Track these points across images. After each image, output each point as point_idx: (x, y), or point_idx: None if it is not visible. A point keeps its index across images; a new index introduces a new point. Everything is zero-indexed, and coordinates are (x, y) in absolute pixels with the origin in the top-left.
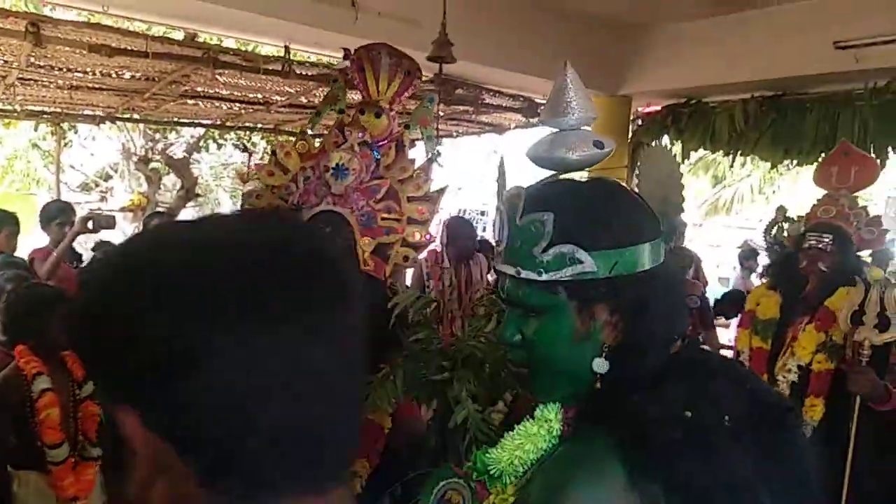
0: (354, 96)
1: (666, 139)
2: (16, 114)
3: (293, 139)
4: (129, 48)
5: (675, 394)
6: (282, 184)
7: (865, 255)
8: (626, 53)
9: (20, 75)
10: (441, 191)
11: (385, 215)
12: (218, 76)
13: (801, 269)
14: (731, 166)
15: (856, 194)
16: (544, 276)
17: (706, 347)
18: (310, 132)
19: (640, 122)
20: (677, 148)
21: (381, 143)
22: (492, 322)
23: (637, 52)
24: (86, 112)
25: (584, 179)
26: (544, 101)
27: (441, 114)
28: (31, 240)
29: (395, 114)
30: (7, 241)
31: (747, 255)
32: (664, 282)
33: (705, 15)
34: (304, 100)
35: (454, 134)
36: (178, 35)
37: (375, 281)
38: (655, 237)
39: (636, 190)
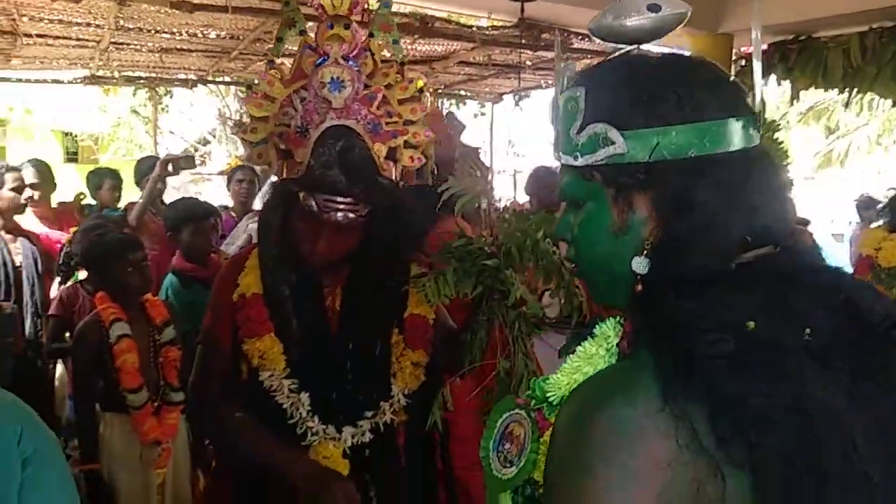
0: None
1: (773, 79)
2: (114, 80)
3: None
4: (210, 3)
5: (736, 301)
6: (272, 112)
7: None
8: None
9: (112, 39)
10: (421, 90)
11: (387, 120)
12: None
13: None
14: (847, 106)
15: None
16: (580, 161)
17: (811, 258)
18: (276, 60)
19: (743, 62)
20: (786, 88)
21: (354, 55)
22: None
23: None
24: (179, 76)
25: (644, 53)
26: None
27: (528, 62)
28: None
29: (356, 28)
30: (109, 195)
31: (866, 205)
32: (731, 171)
33: None
34: (386, 54)
35: (543, 84)
36: None
37: (395, 185)
38: (724, 116)
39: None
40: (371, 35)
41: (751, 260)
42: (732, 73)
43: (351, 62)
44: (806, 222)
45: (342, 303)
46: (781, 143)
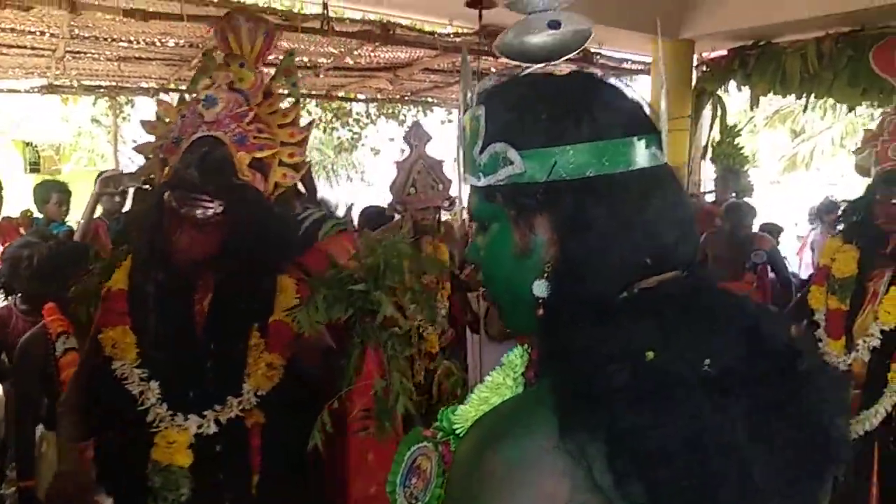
0: None
1: (733, 84)
2: (73, 89)
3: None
4: (163, 11)
5: (636, 329)
6: (163, 132)
7: None
8: None
9: (68, 48)
10: (308, 125)
11: (256, 135)
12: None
13: (879, 224)
14: (805, 110)
15: None
16: (482, 181)
17: (716, 282)
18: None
19: (704, 67)
20: (745, 93)
21: (258, 95)
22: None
23: None
24: (141, 85)
25: (549, 71)
26: (601, 51)
27: (493, 69)
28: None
29: (261, 70)
30: (56, 209)
31: (829, 209)
32: (630, 192)
33: None
34: (349, 61)
35: None
36: None
37: (255, 189)
38: (625, 135)
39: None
40: (273, 78)
41: (653, 286)
42: (694, 77)
43: (242, 94)
44: (779, 230)
45: (210, 303)
46: (742, 148)
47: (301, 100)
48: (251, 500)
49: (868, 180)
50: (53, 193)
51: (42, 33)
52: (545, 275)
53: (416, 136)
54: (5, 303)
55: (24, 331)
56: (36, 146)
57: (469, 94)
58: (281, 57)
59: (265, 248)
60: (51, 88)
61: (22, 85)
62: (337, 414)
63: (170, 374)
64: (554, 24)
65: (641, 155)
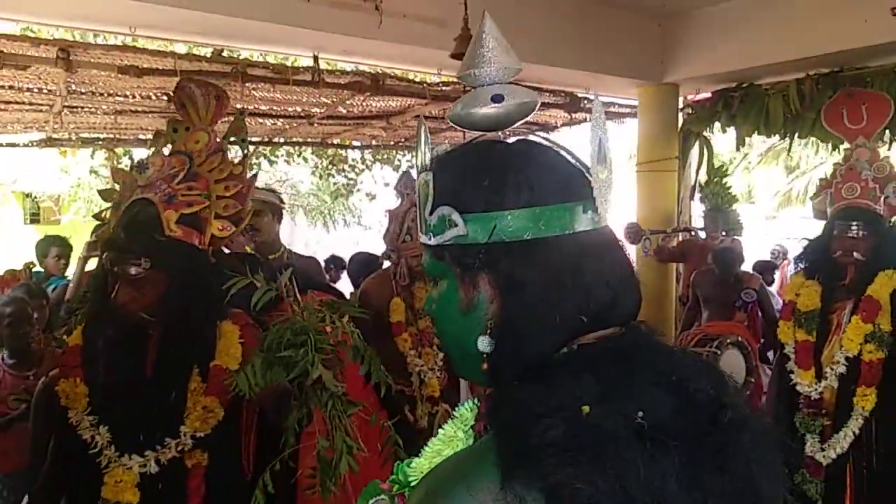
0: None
1: (717, 126)
2: (71, 142)
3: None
4: (159, 68)
5: (573, 384)
6: (115, 197)
7: None
8: (671, 39)
9: (65, 103)
10: (253, 177)
11: (186, 192)
12: (252, 91)
13: (836, 258)
14: (789, 151)
15: (876, 147)
16: (432, 241)
17: (653, 338)
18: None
19: (689, 110)
20: (731, 133)
21: (202, 154)
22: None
23: (682, 37)
24: (138, 136)
25: (490, 139)
26: (589, 96)
27: None
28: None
29: (214, 132)
30: (55, 263)
31: (784, 255)
32: (563, 254)
33: None
34: (342, 110)
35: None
36: (207, 52)
37: (183, 243)
38: (562, 201)
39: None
40: (225, 138)
41: (592, 342)
42: (680, 121)
43: (187, 156)
44: (773, 267)
45: (154, 351)
46: (729, 187)
47: (249, 153)
48: None
49: (824, 222)
50: (53, 248)
51: (39, 90)
52: (488, 331)
53: (407, 185)
54: None
55: (13, 385)
56: (35, 197)
57: (425, 157)
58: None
59: (197, 298)
60: (49, 142)
61: (21, 139)
62: (283, 473)
63: (118, 418)
64: (497, 98)
65: (578, 219)
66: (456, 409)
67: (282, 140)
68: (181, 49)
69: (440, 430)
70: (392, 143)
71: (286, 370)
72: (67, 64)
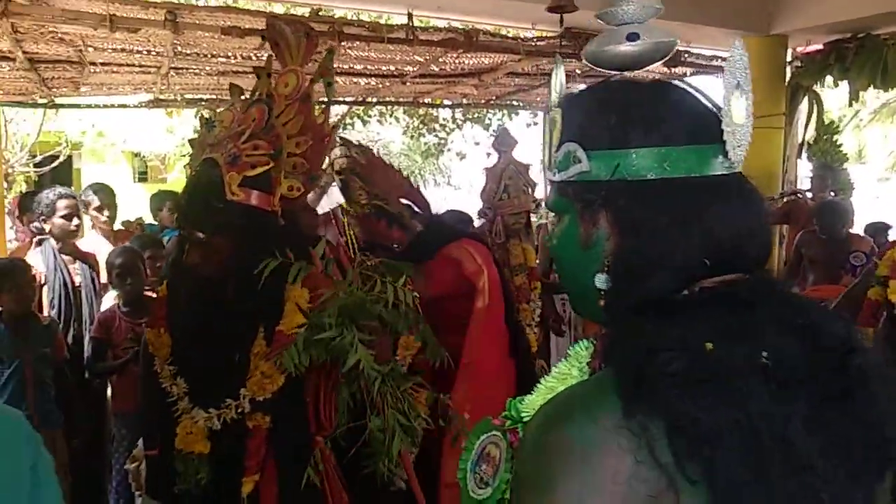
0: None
1: (829, 80)
2: (177, 102)
3: None
4: (260, 28)
5: (695, 322)
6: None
7: None
8: None
9: (172, 65)
10: (334, 128)
11: (251, 152)
12: (348, 49)
13: None
14: None
15: None
16: (557, 177)
17: (781, 286)
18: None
19: (798, 63)
20: (843, 88)
21: (288, 102)
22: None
23: None
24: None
25: (629, 78)
26: (688, 49)
27: (577, 71)
28: None
29: (304, 72)
30: (169, 217)
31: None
32: (687, 196)
33: None
34: (434, 68)
35: None
36: (304, 11)
37: (245, 207)
38: (689, 142)
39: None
40: (313, 80)
41: (714, 285)
42: (788, 74)
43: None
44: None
45: (226, 311)
46: (840, 145)
47: (333, 96)
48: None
49: None
50: (166, 202)
51: (148, 52)
52: (605, 268)
53: (504, 142)
54: (110, 305)
55: (127, 331)
56: (144, 157)
57: (557, 97)
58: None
59: (256, 263)
60: (156, 103)
61: (130, 100)
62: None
63: (193, 372)
64: (632, 37)
65: (706, 163)
66: (570, 347)
67: (374, 100)
68: (279, 9)
69: (554, 368)
70: (483, 101)
71: (326, 352)
72: (174, 26)
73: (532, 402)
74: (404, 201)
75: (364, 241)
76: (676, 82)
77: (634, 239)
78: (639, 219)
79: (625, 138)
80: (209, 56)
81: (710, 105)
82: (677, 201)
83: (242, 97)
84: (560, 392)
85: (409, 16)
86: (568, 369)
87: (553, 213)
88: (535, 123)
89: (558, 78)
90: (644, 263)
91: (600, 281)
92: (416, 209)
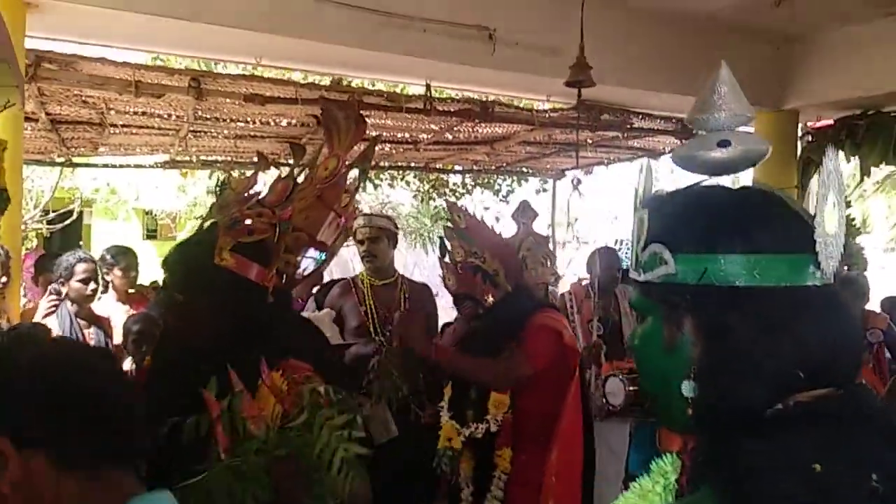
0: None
1: (841, 155)
2: (192, 164)
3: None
4: (281, 96)
5: (799, 442)
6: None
7: None
8: (790, 64)
9: (191, 128)
10: (353, 212)
11: (255, 218)
12: (366, 118)
13: None
14: None
15: None
16: (642, 277)
17: (873, 399)
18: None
19: (809, 137)
20: (854, 164)
21: (326, 182)
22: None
23: (802, 62)
24: (254, 160)
25: (715, 184)
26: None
27: (589, 140)
28: None
29: (345, 158)
30: None
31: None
32: (777, 306)
33: (879, 16)
34: (448, 136)
35: (605, 161)
36: (326, 81)
37: (228, 274)
38: (778, 251)
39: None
40: (350, 166)
41: (809, 399)
42: (799, 148)
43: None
44: None
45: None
46: (853, 219)
47: (367, 178)
48: None
49: None
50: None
51: (169, 116)
52: (692, 375)
53: (525, 214)
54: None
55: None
56: (154, 214)
57: (644, 197)
58: None
59: (240, 336)
60: (172, 163)
61: (146, 160)
62: None
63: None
64: (724, 143)
65: (797, 272)
66: (653, 462)
67: (387, 164)
68: (298, 77)
69: (634, 484)
70: (494, 167)
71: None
72: (198, 92)
73: None
74: (498, 262)
75: (457, 292)
76: (768, 189)
77: (720, 346)
78: (727, 326)
79: (713, 243)
80: (228, 120)
81: (801, 213)
82: (767, 310)
83: (270, 168)
84: None
85: (427, 87)
86: (651, 486)
87: (636, 312)
88: (545, 190)
89: (646, 178)
90: (734, 373)
91: (687, 388)
92: (507, 270)
